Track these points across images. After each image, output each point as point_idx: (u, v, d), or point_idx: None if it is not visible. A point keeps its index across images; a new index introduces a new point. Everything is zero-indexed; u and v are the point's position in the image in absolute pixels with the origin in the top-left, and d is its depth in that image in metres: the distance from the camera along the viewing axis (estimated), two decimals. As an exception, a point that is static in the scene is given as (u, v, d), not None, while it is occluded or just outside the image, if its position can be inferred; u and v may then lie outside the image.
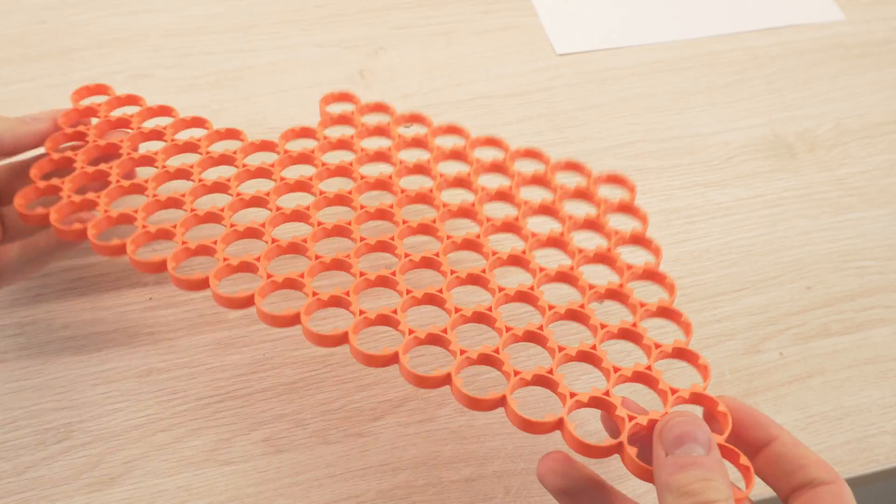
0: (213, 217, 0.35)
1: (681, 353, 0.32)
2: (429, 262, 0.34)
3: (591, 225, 0.37)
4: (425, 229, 0.36)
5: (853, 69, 0.55)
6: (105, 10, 0.55)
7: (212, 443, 0.36)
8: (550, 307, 0.33)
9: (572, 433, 0.28)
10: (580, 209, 0.38)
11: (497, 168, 0.40)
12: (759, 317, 0.41)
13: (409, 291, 0.33)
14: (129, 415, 0.36)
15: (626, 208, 0.38)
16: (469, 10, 0.57)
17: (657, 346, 0.31)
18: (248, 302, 0.32)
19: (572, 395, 0.29)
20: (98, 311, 0.39)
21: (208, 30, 0.54)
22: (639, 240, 0.37)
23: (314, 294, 0.32)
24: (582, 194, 0.39)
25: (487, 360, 0.31)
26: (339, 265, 0.34)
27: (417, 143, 0.41)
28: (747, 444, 0.28)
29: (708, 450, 0.25)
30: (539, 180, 0.39)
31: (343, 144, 0.40)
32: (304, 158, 0.39)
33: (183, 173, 0.37)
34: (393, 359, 0.30)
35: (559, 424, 0.29)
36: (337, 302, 0.32)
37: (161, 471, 0.35)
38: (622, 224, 0.38)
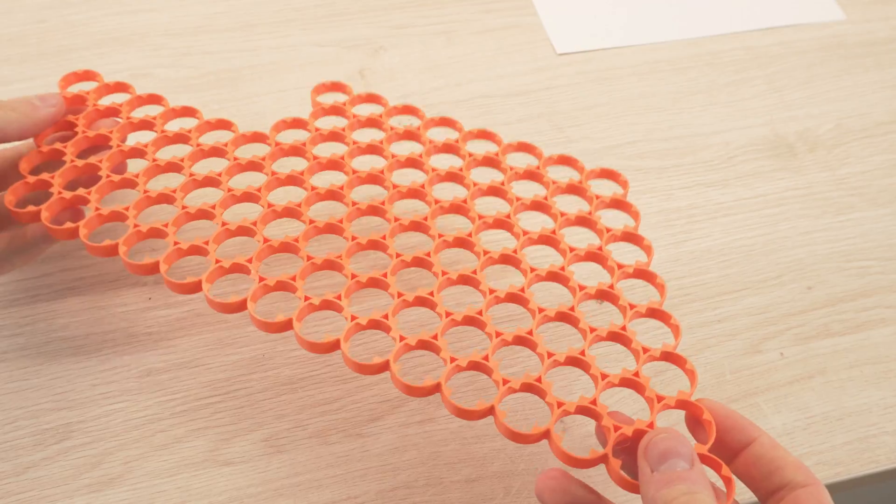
0: (204, 214, 0.35)
1: (669, 358, 0.32)
2: (420, 262, 0.34)
3: (583, 222, 0.37)
4: (417, 227, 0.36)
5: (854, 69, 0.55)
6: (104, 10, 0.55)
7: (212, 443, 0.35)
8: (541, 310, 0.32)
9: (558, 445, 0.28)
10: (572, 204, 0.38)
11: (489, 162, 0.39)
12: (760, 317, 0.41)
13: (400, 294, 0.32)
14: (128, 415, 0.36)
15: (619, 204, 0.38)
16: (469, 9, 0.57)
17: (645, 350, 0.31)
18: (241, 306, 0.32)
19: (559, 404, 0.29)
20: (97, 311, 0.39)
21: (208, 29, 0.54)
22: (631, 237, 0.36)
23: (306, 299, 0.32)
24: (574, 190, 0.38)
25: (477, 367, 0.31)
26: (331, 266, 0.34)
27: (410, 135, 0.40)
28: (727, 446, 0.29)
29: (691, 464, 0.26)
30: (531, 175, 0.39)
31: (335, 136, 0.40)
32: (296, 151, 0.39)
33: (174, 167, 0.37)
34: (384, 367, 0.30)
35: (546, 435, 0.29)
36: (329, 306, 0.32)
37: (161, 471, 0.35)
38: (615, 219, 0.37)
